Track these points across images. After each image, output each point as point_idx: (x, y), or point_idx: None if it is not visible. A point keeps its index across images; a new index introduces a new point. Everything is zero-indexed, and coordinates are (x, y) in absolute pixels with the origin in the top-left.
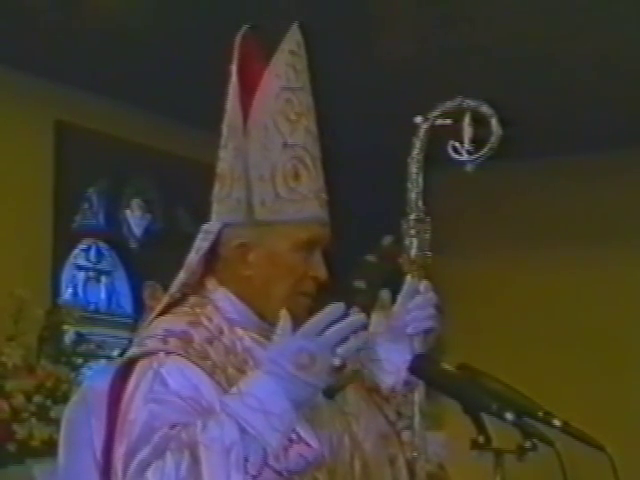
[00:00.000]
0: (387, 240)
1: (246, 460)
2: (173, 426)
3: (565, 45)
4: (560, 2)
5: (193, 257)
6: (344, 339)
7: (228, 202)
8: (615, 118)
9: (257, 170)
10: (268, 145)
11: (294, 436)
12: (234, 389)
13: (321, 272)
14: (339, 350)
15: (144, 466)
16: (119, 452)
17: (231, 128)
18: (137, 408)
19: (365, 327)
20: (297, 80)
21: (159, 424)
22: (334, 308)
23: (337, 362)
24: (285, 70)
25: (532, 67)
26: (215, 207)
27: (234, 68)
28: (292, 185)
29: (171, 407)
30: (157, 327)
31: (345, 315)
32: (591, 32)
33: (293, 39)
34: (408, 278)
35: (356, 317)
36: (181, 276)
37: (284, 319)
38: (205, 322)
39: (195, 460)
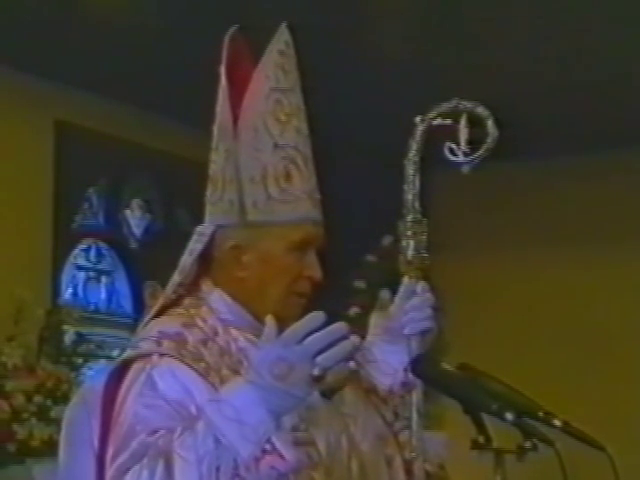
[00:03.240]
0: (387, 240)
1: (217, 470)
2: (154, 432)
3: (565, 45)
4: (560, 3)
5: (187, 259)
6: (325, 348)
7: (221, 204)
8: (615, 118)
9: (248, 172)
10: (258, 146)
11: (268, 447)
12: (215, 395)
13: (315, 272)
14: (318, 359)
15: (122, 470)
16: (109, 453)
17: (221, 130)
18: (126, 411)
19: (347, 337)
20: (286, 81)
21: (140, 429)
22: (314, 316)
23: (316, 372)
24: (274, 71)
25: (532, 67)
26: (208, 209)
27: (223, 69)
28: (284, 186)
29: (156, 411)
30: (151, 329)
31: (326, 324)
32: (591, 32)
33: (282, 39)
34: (405, 279)
35: (336, 325)
36: (175, 278)
37: (269, 325)
38: (199, 323)
39: (168, 469)
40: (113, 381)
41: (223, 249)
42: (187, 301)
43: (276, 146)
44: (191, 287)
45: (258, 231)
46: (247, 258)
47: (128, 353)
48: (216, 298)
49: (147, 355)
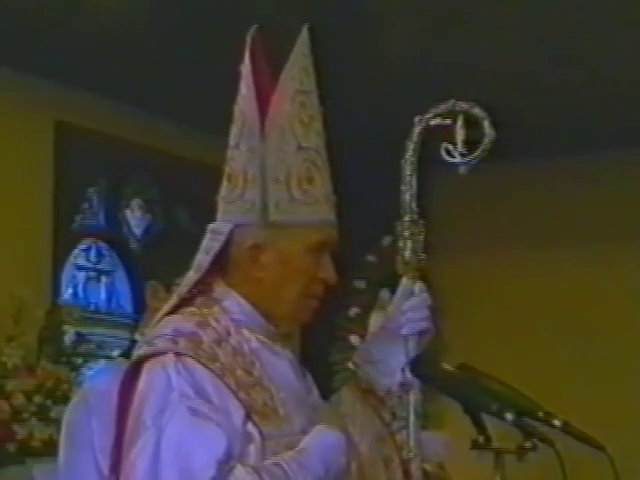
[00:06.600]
0: (387, 240)
1: None
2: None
3: (565, 45)
4: (559, 3)
5: (203, 257)
6: None
7: (241, 203)
8: (615, 118)
9: (273, 172)
10: (284, 148)
11: None
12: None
13: (331, 275)
14: None
15: None
16: (133, 452)
17: (245, 129)
18: (149, 410)
19: None
20: (309, 83)
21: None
22: None
23: None
24: (299, 73)
25: (532, 67)
26: (224, 207)
27: (248, 68)
28: (306, 187)
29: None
30: (166, 326)
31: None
32: (589, 33)
33: (305, 42)
34: (403, 280)
35: None
36: (192, 276)
37: None
38: (213, 323)
39: None
40: (129, 378)
41: (241, 248)
42: (199, 300)
43: (300, 148)
44: (202, 286)
45: (278, 231)
46: (265, 258)
47: (144, 349)
48: (228, 298)
49: (163, 353)
